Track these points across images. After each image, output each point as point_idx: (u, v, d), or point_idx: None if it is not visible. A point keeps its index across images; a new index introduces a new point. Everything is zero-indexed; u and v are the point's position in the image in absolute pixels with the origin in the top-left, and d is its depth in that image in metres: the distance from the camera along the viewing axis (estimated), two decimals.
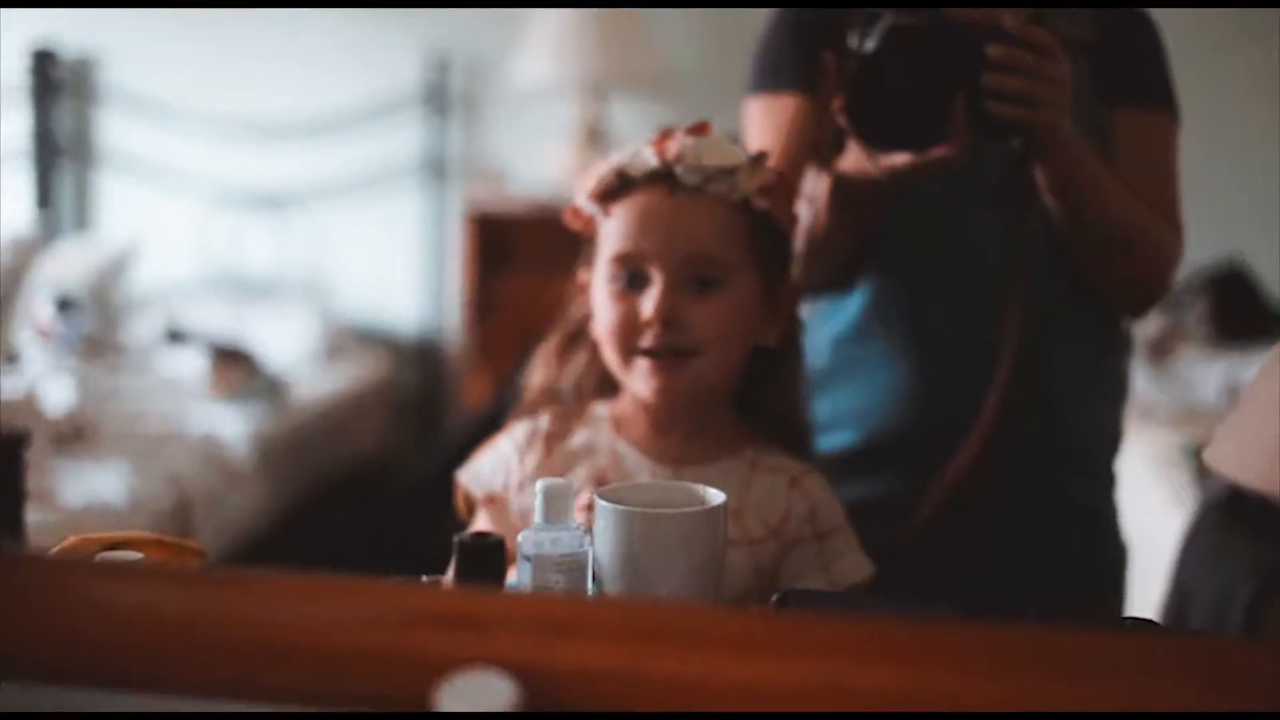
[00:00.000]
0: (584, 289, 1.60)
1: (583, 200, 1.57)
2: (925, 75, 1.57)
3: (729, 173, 1.50)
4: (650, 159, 1.52)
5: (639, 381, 1.53)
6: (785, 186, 1.55)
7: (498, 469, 1.59)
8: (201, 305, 5.13)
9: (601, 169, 1.56)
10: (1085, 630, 0.84)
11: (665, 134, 1.53)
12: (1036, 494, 1.81)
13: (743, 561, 1.48)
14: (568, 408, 1.61)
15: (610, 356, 1.55)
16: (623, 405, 1.59)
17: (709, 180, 1.50)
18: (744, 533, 1.50)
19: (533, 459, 1.57)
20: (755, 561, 1.49)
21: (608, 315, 1.53)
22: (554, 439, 1.59)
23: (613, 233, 1.54)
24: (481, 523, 1.59)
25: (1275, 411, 1.30)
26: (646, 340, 1.50)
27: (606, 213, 1.55)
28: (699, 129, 1.53)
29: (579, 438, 1.59)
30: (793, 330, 1.61)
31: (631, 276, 1.52)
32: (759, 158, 1.54)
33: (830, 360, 1.83)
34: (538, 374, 1.65)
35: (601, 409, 1.60)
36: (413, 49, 5.33)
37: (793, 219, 1.57)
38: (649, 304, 1.50)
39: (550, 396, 1.63)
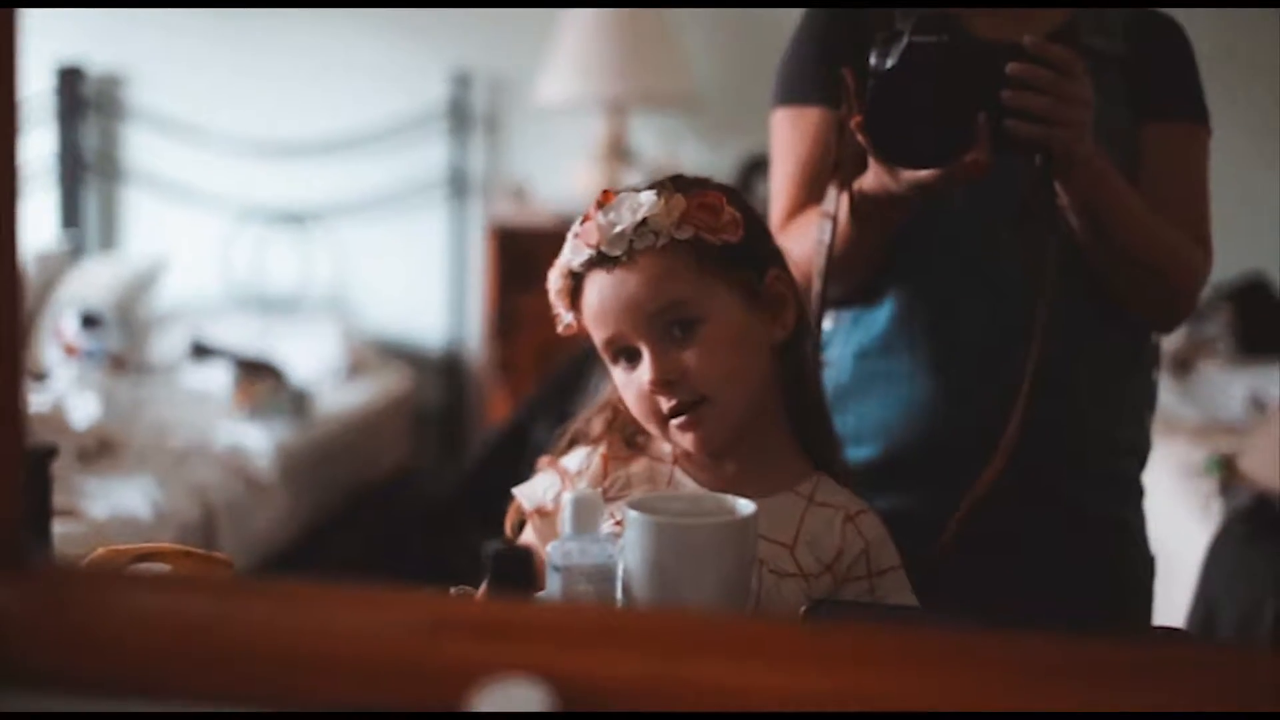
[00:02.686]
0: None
1: (559, 310, 1.60)
2: (945, 93, 1.57)
3: (642, 225, 1.51)
4: (581, 250, 1.53)
5: (680, 442, 1.55)
6: (702, 201, 1.54)
7: (551, 486, 1.61)
8: (226, 321, 5.15)
9: (553, 277, 1.58)
10: (1115, 639, 0.84)
11: (584, 219, 1.54)
12: (1063, 507, 1.80)
13: (796, 595, 1.49)
14: (633, 432, 1.63)
15: (651, 430, 1.57)
16: None
17: (632, 242, 1.51)
18: (798, 566, 1.51)
19: (586, 479, 1.59)
20: (809, 596, 1.49)
21: (628, 397, 1.56)
22: (612, 463, 1.60)
23: (590, 327, 1.56)
24: (527, 536, 1.61)
25: None
26: (661, 408, 1.52)
27: (578, 311, 1.57)
28: (603, 200, 1.54)
29: (640, 464, 1.61)
30: (800, 313, 1.61)
31: (625, 354, 1.55)
32: (663, 190, 1.53)
33: (853, 374, 1.82)
34: (599, 421, 1.66)
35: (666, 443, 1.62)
36: (436, 66, 5.35)
37: (730, 223, 1.54)
38: (644, 376, 1.52)
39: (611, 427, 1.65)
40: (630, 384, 1.54)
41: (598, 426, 1.65)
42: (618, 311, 1.52)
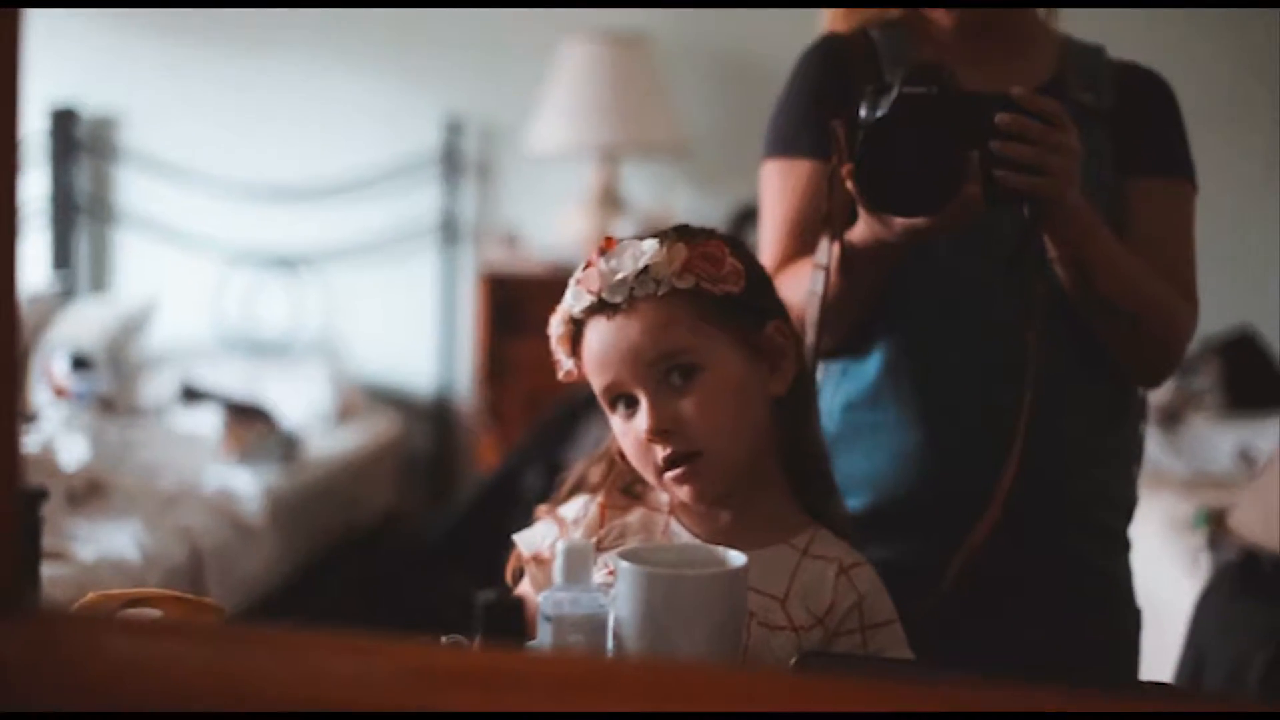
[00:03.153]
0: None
1: (559, 356, 1.60)
2: (933, 144, 1.57)
3: (643, 273, 1.52)
4: (583, 297, 1.54)
5: (675, 493, 1.55)
6: (704, 250, 1.55)
7: (548, 533, 1.61)
8: (216, 364, 5.15)
9: (554, 323, 1.59)
10: (1109, 693, 0.84)
11: (587, 265, 1.55)
12: (1049, 560, 1.80)
13: (787, 649, 1.48)
14: (631, 482, 1.63)
15: (648, 479, 1.57)
16: None
17: (633, 289, 1.52)
18: (789, 620, 1.50)
19: (584, 527, 1.59)
20: (799, 650, 1.49)
21: (625, 446, 1.57)
22: (609, 512, 1.61)
23: (589, 373, 1.57)
24: (524, 585, 1.62)
25: None
26: (657, 458, 1.53)
27: (578, 357, 1.58)
28: (605, 247, 1.55)
29: (636, 514, 1.61)
30: (800, 368, 1.61)
31: (624, 402, 1.55)
32: (665, 239, 1.55)
33: (841, 425, 1.82)
34: (598, 470, 1.66)
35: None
36: (428, 113, 5.37)
37: (732, 273, 1.55)
38: (642, 424, 1.52)
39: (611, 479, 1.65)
40: (628, 432, 1.55)
41: (596, 475, 1.65)
42: (617, 359, 1.53)
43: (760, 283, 1.60)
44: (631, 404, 1.54)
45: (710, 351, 1.53)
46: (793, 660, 1.43)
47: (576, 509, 1.62)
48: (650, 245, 1.53)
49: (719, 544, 1.49)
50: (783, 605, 1.51)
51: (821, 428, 1.70)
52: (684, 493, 1.54)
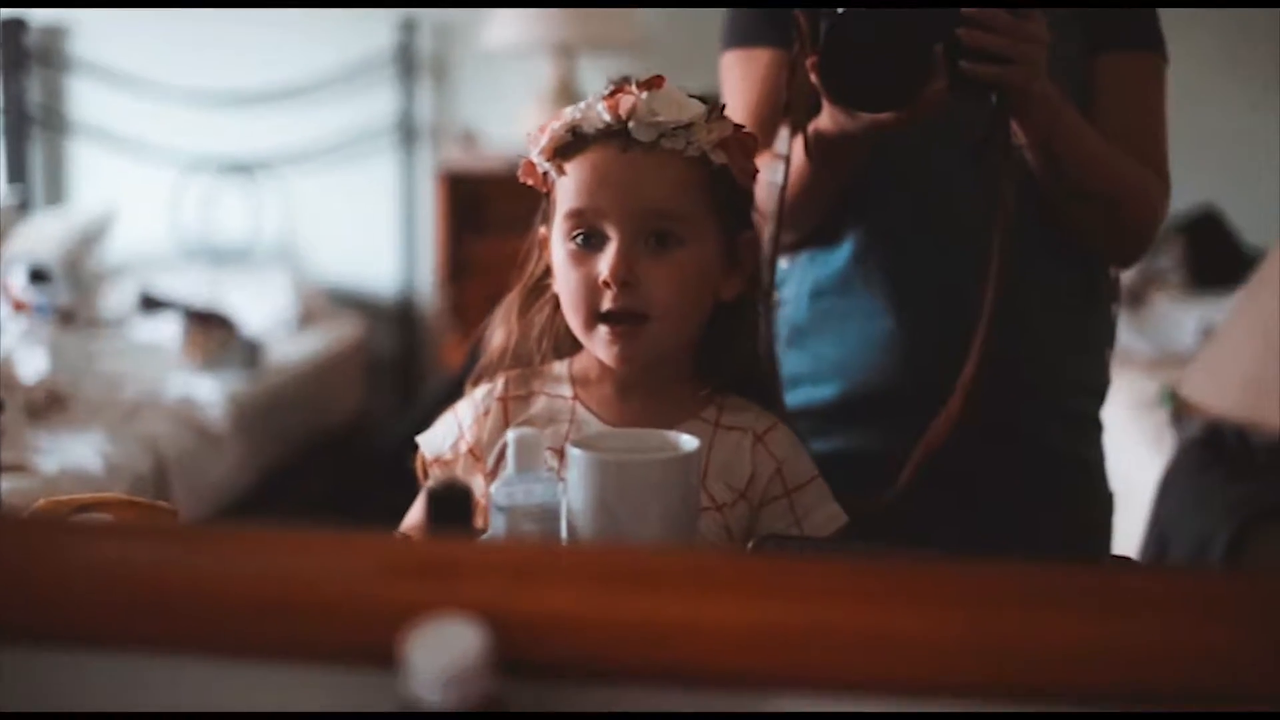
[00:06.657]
0: (544, 244, 1.57)
1: (536, 156, 1.53)
2: (898, 35, 1.55)
3: (685, 127, 1.47)
4: (604, 115, 1.48)
5: (600, 349, 1.49)
6: (742, 139, 1.51)
7: (449, 434, 1.57)
8: (176, 273, 5.14)
9: (554, 125, 1.51)
10: (1069, 565, 0.84)
11: (619, 88, 1.49)
12: (1023, 445, 1.80)
13: (713, 527, 1.45)
14: (527, 371, 1.58)
15: (572, 321, 1.51)
16: (583, 365, 1.56)
17: (664, 136, 1.47)
18: (711, 498, 1.47)
19: (488, 425, 1.54)
20: (726, 526, 1.47)
21: (567, 279, 1.50)
22: (512, 404, 1.56)
23: (568, 189, 1.50)
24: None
25: (1247, 342, 1.30)
26: (605, 304, 1.47)
27: (560, 170, 1.51)
28: (653, 83, 1.49)
29: (539, 404, 1.56)
30: (752, 281, 1.58)
31: (588, 235, 1.48)
32: (715, 110, 1.50)
33: (810, 312, 1.81)
34: (498, 334, 1.61)
35: (560, 368, 1.57)
36: (381, 13, 5.31)
37: (751, 171, 1.53)
38: (605, 265, 1.46)
39: (511, 358, 1.60)
40: (577, 268, 1.49)
41: (498, 341, 1.60)
42: (613, 191, 1.47)
43: (754, 190, 1.58)
44: (592, 242, 1.48)
45: (698, 232, 1.48)
46: (750, 544, 1.42)
47: (476, 404, 1.57)
48: (699, 107, 1.48)
49: (625, 427, 1.47)
50: (703, 484, 1.46)
51: (769, 344, 1.65)
52: (611, 352, 1.48)
